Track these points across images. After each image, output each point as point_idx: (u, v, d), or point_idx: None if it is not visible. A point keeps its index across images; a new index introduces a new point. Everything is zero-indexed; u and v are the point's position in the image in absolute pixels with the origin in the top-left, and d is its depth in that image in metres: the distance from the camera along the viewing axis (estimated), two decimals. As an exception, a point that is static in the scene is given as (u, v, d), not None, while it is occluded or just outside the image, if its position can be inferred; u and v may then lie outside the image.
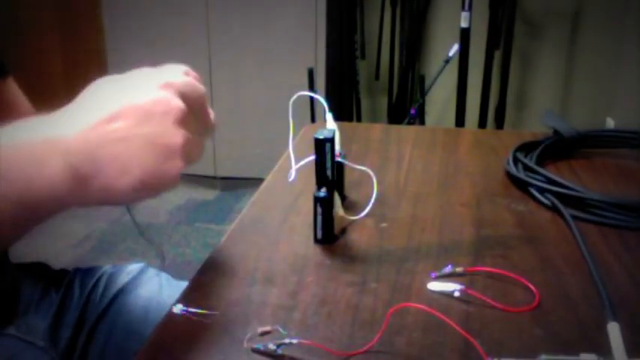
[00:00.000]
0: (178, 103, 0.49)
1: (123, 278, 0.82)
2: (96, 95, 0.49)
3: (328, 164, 0.61)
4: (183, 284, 0.59)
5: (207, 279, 0.59)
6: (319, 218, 0.64)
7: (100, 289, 0.80)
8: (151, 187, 0.48)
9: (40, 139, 0.46)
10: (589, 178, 0.83)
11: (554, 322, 0.52)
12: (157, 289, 0.81)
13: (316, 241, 0.65)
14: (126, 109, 0.47)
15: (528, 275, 0.58)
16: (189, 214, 2.60)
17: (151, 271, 0.84)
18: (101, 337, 0.76)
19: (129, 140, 0.47)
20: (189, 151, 0.50)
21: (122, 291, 0.80)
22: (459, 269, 0.59)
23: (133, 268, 0.84)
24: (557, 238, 0.67)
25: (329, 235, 0.65)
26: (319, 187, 0.63)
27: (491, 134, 1.11)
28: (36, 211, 0.47)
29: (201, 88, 0.53)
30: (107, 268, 0.84)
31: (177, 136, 0.48)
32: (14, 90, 0.76)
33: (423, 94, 2.47)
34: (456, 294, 0.55)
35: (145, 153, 0.47)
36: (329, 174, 0.62)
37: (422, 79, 2.52)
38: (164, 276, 0.85)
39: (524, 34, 2.69)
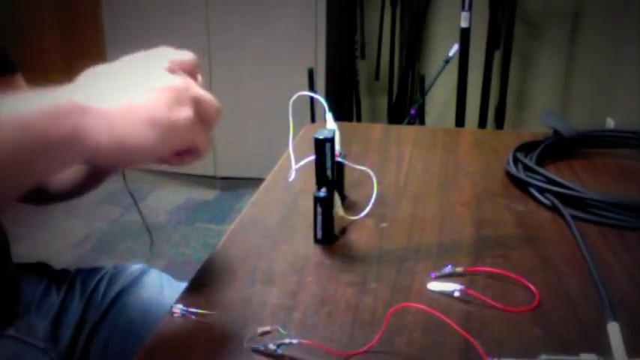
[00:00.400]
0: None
1: (124, 279, 0.82)
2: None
3: (328, 164, 0.61)
4: (184, 285, 0.59)
5: (207, 279, 0.59)
6: (319, 218, 0.64)
7: (102, 290, 0.80)
8: (162, 130, 0.46)
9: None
10: (589, 178, 0.83)
11: (554, 322, 0.52)
12: (158, 290, 0.81)
13: (316, 241, 0.65)
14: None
15: (528, 275, 0.58)
16: (189, 214, 2.60)
17: (153, 272, 0.85)
18: (102, 337, 0.76)
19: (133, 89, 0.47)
20: (201, 105, 0.48)
21: (123, 291, 0.80)
22: (459, 269, 0.59)
23: (135, 268, 0.84)
24: (557, 238, 0.67)
25: (329, 235, 0.65)
26: (319, 187, 0.63)
27: (491, 134, 1.11)
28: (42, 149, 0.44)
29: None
30: (109, 268, 0.84)
31: (176, 80, 0.48)
32: (22, 87, 0.77)
33: (423, 94, 2.46)
34: (456, 294, 0.55)
35: (149, 95, 0.47)
36: (329, 174, 0.62)
37: (422, 79, 2.52)
38: (165, 277, 0.85)
39: (524, 34, 2.69)
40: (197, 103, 0.48)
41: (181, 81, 0.48)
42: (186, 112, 0.47)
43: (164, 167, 0.53)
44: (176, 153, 0.50)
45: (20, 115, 0.42)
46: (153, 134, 0.46)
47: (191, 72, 0.52)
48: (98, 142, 0.45)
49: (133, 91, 0.47)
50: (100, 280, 0.81)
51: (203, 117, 0.49)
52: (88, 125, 0.45)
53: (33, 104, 0.44)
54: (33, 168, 0.44)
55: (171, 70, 0.49)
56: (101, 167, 0.68)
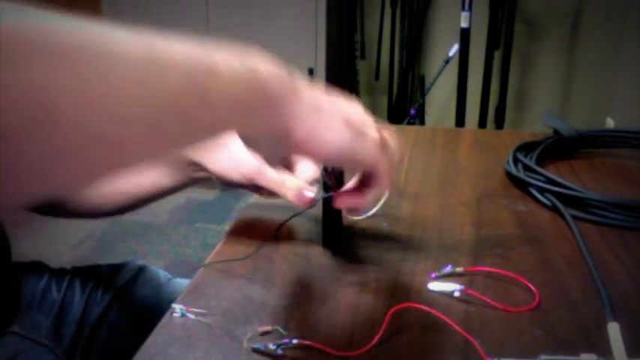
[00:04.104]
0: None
1: (122, 276, 0.82)
2: None
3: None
4: (181, 281, 0.59)
5: (207, 279, 0.59)
6: (322, 219, 0.64)
7: (101, 287, 0.80)
8: (354, 133, 0.48)
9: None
10: (589, 178, 0.83)
11: (554, 322, 0.52)
12: (155, 286, 0.82)
13: (324, 241, 0.64)
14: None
15: (528, 275, 0.58)
16: (189, 214, 2.60)
17: (150, 269, 0.85)
18: (103, 333, 0.77)
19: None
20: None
21: (122, 288, 0.81)
22: (459, 269, 0.59)
23: (132, 266, 0.85)
24: (557, 238, 0.67)
25: (332, 236, 0.65)
26: (325, 189, 0.62)
27: (491, 134, 1.11)
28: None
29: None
30: (106, 266, 0.84)
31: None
32: None
33: (423, 94, 2.47)
34: (456, 294, 0.55)
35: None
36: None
37: (422, 79, 2.52)
38: (162, 273, 0.86)
39: (524, 34, 2.69)
40: (380, 133, 0.52)
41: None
42: (373, 132, 0.50)
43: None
44: (362, 184, 0.53)
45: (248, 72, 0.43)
46: (347, 134, 0.47)
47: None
48: (295, 127, 0.45)
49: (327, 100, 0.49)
50: (98, 278, 0.81)
51: (384, 146, 0.52)
52: (294, 109, 0.45)
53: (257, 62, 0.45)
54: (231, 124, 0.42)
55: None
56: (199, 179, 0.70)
